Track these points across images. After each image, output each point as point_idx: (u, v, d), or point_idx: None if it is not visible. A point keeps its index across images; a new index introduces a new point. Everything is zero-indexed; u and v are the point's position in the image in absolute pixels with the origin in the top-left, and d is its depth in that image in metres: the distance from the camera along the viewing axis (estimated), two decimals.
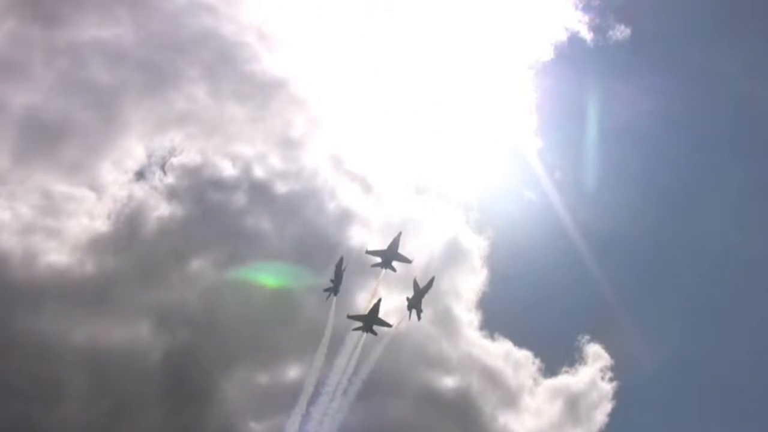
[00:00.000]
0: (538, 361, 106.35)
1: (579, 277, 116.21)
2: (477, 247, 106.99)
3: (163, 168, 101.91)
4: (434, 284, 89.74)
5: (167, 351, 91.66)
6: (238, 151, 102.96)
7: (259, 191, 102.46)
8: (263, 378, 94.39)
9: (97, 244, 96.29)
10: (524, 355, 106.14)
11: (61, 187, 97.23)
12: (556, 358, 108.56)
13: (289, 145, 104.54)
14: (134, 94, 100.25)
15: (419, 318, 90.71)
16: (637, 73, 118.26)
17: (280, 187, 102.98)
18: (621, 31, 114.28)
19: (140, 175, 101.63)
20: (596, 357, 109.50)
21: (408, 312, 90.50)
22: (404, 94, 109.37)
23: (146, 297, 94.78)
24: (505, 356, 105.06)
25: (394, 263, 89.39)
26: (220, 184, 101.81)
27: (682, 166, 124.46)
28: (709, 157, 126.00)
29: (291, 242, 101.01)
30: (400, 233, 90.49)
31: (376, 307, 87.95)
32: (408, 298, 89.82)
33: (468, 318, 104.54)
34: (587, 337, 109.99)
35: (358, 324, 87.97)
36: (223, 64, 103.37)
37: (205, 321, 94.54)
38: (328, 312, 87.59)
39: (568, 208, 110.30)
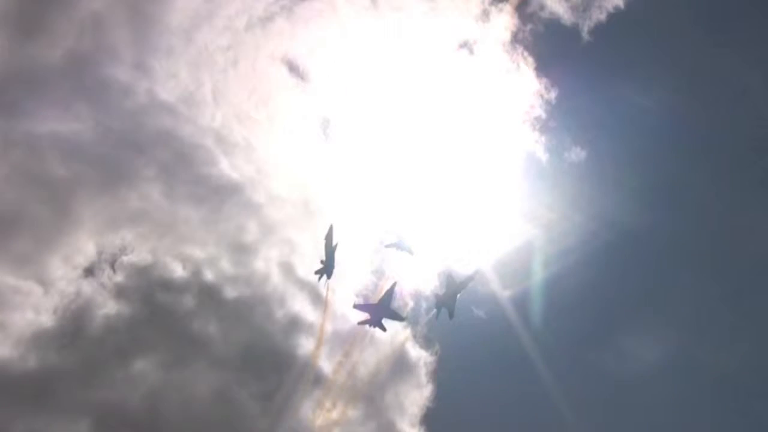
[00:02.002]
0: None
1: (527, 395, 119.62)
2: (424, 362, 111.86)
3: (112, 266, 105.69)
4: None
5: None
6: (190, 253, 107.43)
7: (208, 295, 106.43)
8: None
9: (41, 339, 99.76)
10: None
11: (8, 279, 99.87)
12: None
13: (240, 249, 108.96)
14: (88, 190, 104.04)
15: (451, 316, 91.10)
16: (590, 195, 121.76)
17: (230, 292, 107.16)
18: (576, 153, 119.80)
19: (89, 272, 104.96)
20: None
21: (436, 310, 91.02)
22: (356, 210, 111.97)
23: (87, 395, 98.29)
24: None
25: (385, 322, 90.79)
26: (169, 285, 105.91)
27: (633, 288, 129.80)
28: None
29: (237, 348, 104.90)
30: (395, 283, 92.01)
31: (389, 294, 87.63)
32: (437, 295, 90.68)
33: None
34: None
35: (364, 317, 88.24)
36: (180, 166, 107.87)
37: (147, 422, 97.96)
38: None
39: (517, 326, 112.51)
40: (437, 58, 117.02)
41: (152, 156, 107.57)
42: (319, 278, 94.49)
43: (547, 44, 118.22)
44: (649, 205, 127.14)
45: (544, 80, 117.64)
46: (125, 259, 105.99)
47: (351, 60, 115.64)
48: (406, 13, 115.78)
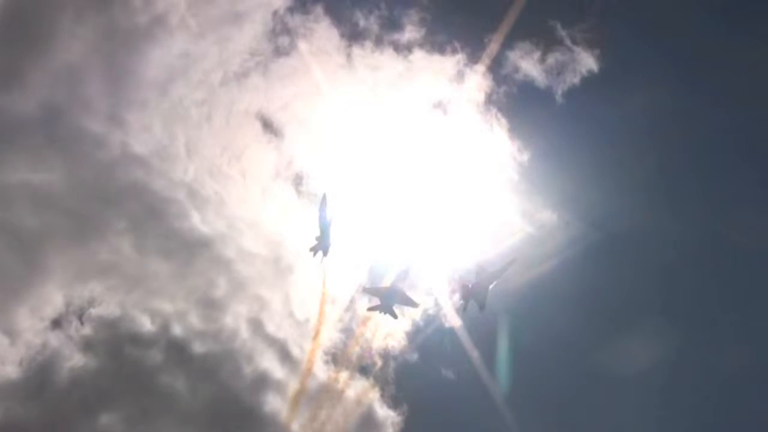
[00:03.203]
0: None
1: None
2: (391, 422, 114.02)
3: (80, 318, 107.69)
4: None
5: None
6: (158, 307, 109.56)
7: (176, 349, 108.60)
8: None
9: (6, 391, 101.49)
10: None
11: None
12: None
13: (209, 305, 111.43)
14: (58, 241, 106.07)
15: (481, 308, 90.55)
16: (561, 257, 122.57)
17: (198, 347, 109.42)
18: (548, 216, 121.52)
19: (56, 324, 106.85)
20: None
21: (463, 302, 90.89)
22: (328, 268, 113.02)
23: None
24: None
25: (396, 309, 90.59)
26: (137, 339, 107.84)
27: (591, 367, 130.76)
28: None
29: (204, 403, 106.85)
30: (408, 265, 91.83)
31: (401, 277, 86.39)
32: (465, 286, 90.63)
33: None
34: None
35: (375, 303, 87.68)
36: (151, 219, 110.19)
37: None
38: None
39: (489, 386, 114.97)
40: (411, 117, 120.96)
41: (123, 209, 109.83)
42: (314, 254, 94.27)
43: (521, 106, 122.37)
44: (623, 262, 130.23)
45: (517, 142, 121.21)
46: (93, 311, 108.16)
47: (325, 117, 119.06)
48: (382, 72, 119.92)
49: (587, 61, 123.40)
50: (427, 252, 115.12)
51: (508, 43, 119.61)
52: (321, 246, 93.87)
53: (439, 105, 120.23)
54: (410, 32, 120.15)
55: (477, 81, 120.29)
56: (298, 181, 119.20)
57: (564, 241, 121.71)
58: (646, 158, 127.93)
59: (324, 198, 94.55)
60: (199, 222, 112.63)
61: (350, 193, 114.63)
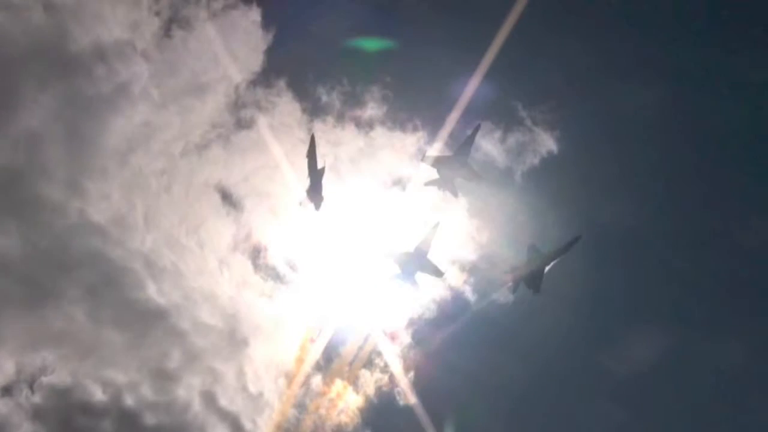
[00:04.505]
0: None
1: None
2: None
3: (31, 386, 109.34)
4: None
5: None
6: (111, 377, 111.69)
7: (128, 420, 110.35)
8: None
9: None
10: None
11: None
12: None
13: (162, 376, 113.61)
14: (12, 308, 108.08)
15: (536, 291, 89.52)
16: (517, 337, 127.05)
17: (149, 419, 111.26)
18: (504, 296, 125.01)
19: (6, 391, 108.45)
20: None
21: (512, 284, 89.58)
22: (281, 344, 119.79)
23: None
24: None
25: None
26: (88, 409, 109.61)
27: None
28: None
29: None
30: (437, 225, 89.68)
31: (427, 243, 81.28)
32: (514, 267, 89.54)
33: None
34: None
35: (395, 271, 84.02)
36: (106, 288, 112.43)
37: None
38: None
39: None
40: (371, 192, 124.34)
41: (79, 277, 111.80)
42: (304, 208, 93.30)
43: (480, 186, 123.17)
44: (578, 339, 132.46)
45: (476, 222, 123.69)
46: (45, 379, 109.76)
47: (285, 190, 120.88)
48: (343, 147, 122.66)
49: (547, 142, 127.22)
50: (381, 330, 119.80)
51: (468, 122, 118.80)
52: (312, 197, 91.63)
53: (398, 182, 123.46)
54: (372, 109, 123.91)
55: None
56: (255, 254, 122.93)
57: (517, 318, 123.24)
58: (604, 245, 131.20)
59: (313, 141, 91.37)
60: (155, 292, 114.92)
61: (308, 268, 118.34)
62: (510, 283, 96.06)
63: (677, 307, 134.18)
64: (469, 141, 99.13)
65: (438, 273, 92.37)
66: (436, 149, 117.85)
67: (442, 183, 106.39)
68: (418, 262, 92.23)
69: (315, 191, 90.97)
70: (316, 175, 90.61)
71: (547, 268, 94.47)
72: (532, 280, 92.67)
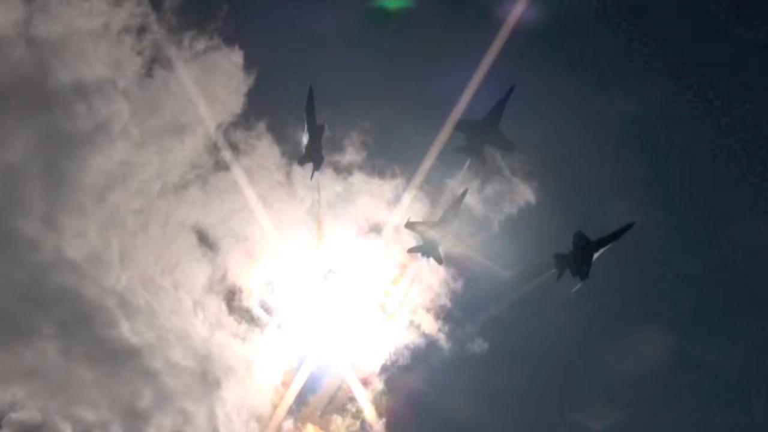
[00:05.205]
0: None
1: None
2: None
3: (0, 422, 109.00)
4: None
5: None
6: (81, 414, 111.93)
7: None
8: None
9: None
10: None
11: None
12: None
13: (133, 415, 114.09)
14: None
15: (584, 277, 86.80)
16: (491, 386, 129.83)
17: None
18: (479, 345, 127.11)
19: None
20: None
21: (557, 271, 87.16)
22: (255, 386, 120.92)
23: None
24: None
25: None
26: None
27: None
28: None
29: None
30: (466, 190, 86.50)
31: (500, 108, 73.17)
32: (559, 254, 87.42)
33: None
34: None
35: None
36: (79, 325, 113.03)
37: None
38: None
39: None
40: (347, 238, 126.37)
41: (52, 313, 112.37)
42: (303, 166, 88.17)
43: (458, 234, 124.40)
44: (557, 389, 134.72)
45: (452, 270, 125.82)
46: (14, 416, 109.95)
47: (261, 233, 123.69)
48: (321, 192, 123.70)
49: (525, 192, 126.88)
50: (354, 375, 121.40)
51: (446, 170, 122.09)
52: (311, 156, 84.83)
53: (375, 227, 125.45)
54: (351, 154, 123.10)
55: (414, 206, 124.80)
56: (230, 296, 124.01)
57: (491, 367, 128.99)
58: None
59: (311, 94, 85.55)
60: (128, 331, 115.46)
61: (283, 311, 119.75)
62: (554, 270, 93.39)
63: (677, 306, 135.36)
64: (501, 105, 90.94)
65: (510, 146, 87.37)
66: (415, 196, 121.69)
67: (470, 150, 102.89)
68: (486, 133, 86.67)
69: (314, 149, 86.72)
70: (315, 131, 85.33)
71: (596, 255, 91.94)
72: (580, 267, 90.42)
